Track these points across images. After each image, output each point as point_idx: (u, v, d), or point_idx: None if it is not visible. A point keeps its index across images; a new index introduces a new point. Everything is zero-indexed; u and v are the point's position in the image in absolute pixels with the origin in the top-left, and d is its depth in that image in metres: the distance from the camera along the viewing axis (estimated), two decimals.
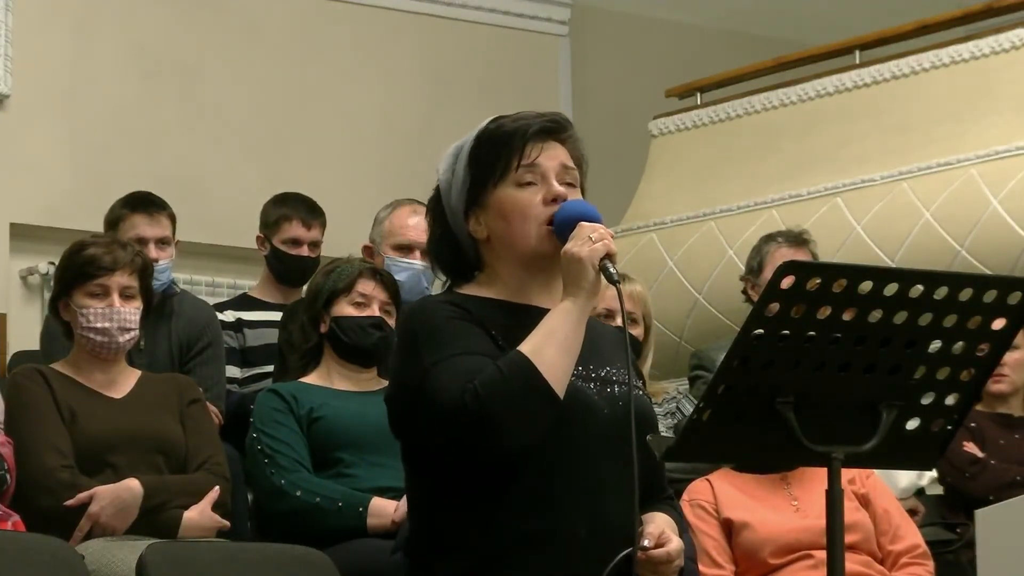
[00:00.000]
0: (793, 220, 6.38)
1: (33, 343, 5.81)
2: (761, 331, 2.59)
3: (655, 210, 7.27)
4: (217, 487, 4.47)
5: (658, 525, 2.93)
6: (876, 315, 2.62)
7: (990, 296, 2.66)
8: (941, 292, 2.64)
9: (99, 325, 4.48)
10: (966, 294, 2.66)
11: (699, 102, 7.47)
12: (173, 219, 5.54)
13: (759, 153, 7.09)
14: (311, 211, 5.92)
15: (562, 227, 2.91)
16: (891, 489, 4.83)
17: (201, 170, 7.29)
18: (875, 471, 4.59)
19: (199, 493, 4.44)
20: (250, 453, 4.64)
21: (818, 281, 2.58)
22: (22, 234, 6.99)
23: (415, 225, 5.41)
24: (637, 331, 5.04)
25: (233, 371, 5.62)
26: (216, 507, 4.45)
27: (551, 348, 2.82)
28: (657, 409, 4.95)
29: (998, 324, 2.70)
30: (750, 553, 4.47)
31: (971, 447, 5.36)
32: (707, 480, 4.59)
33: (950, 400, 2.75)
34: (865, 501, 4.58)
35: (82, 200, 6.77)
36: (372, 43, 7.86)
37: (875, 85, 6.85)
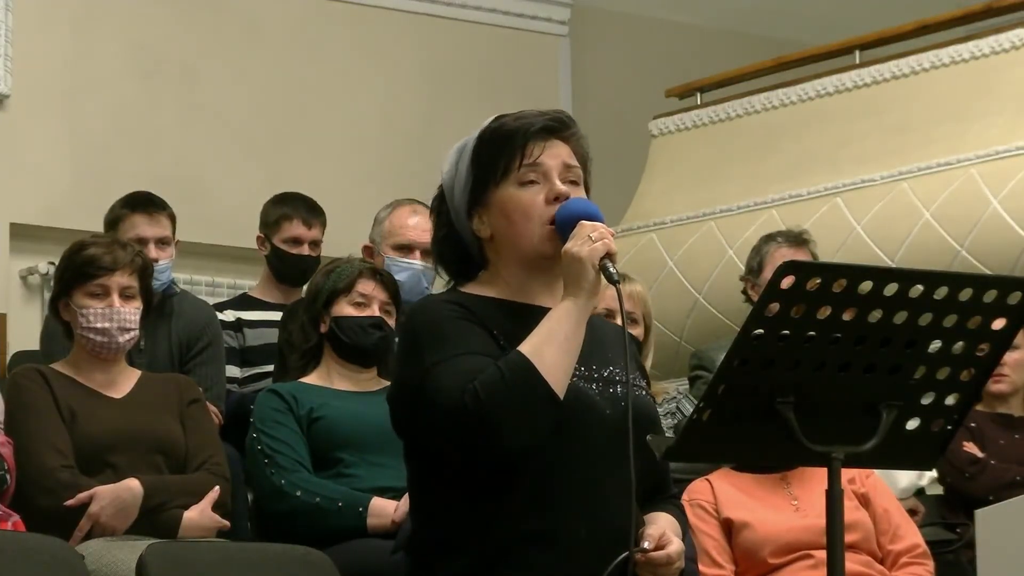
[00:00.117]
0: (793, 220, 6.38)
1: (33, 343, 5.81)
2: (761, 331, 2.59)
3: (655, 210, 7.27)
4: (217, 487, 4.47)
5: (659, 527, 2.92)
6: (876, 315, 2.62)
7: (990, 296, 2.66)
8: (941, 292, 2.64)
9: (99, 325, 4.48)
10: (966, 294, 2.66)
11: (699, 102, 7.47)
12: (173, 219, 5.55)
13: (759, 153, 7.09)
14: (311, 210, 5.92)
15: (563, 226, 2.90)
16: (891, 489, 4.83)
17: (201, 170, 7.29)
18: (875, 471, 4.59)
19: (199, 493, 4.44)
20: (250, 453, 4.64)
21: (818, 281, 2.58)
22: (22, 234, 6.99)
23: (415, 225, 5.42)
24: (637, 331, 5.04)
25: (233, 371, 5.62)
26: (216, 507, 4.45)
27: (551, 348, 2.81)
28: (657, 409, 4.95)
29: (998, 324, 2.70)
30: (750, 553, 4.47)
31: (971, 447, 5.36)
32: (707, 480, 4.59)
33: (950, 400, 2.75)
34: (865, 501, 4.58)
35: (82, 200, 6.77)
36: (372, 43, 7.86)
37: (875, 85, 6.85)
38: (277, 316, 5.43)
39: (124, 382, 4.57)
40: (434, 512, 2.92)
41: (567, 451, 2.85)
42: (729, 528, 4.51)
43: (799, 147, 6.97)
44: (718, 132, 7.31)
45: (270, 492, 4.55)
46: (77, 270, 4.52)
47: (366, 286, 4.77)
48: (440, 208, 3.04)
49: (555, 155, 2.97)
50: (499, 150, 2.97)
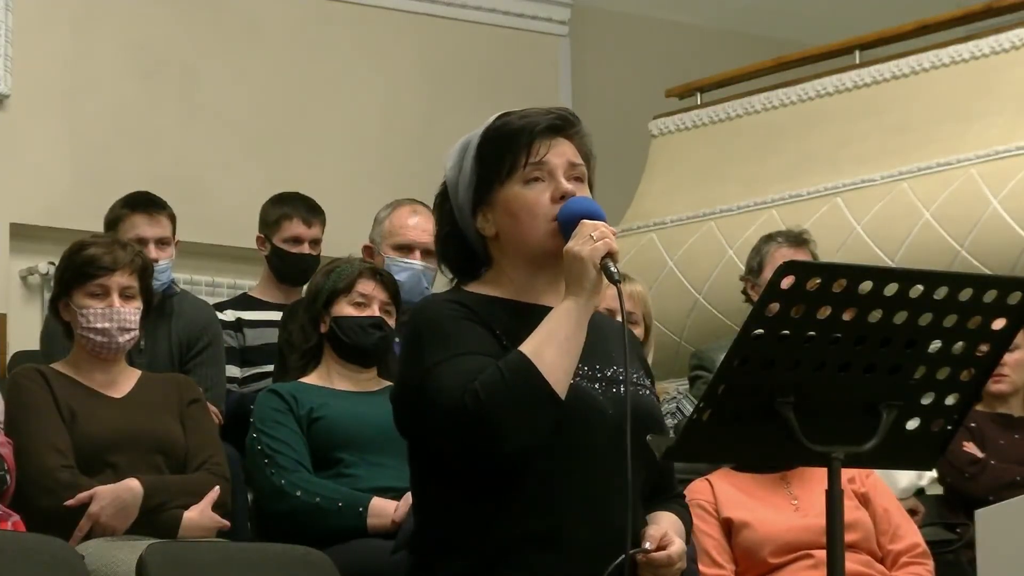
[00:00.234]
0: (793, 220, 6.38)
1: (33, 343, 5.82)
2: (761, 331, 2.59)
3: (655, 210, 7.27)
4: (217, 487, 4.47)
5: (661, 527, 2.92)
6: (876, 315, 2.62)
7: (990, 296, 2.66)
8: (941, 292, 2.64)
9: (99, 325, 4.48)
10: (966, 294, 2.65)
11: (699, 102, 7.47)
12: (173, 219, 5.55)
13: (759, 153, 7.09)
14: (311, 209, 5.93)
15: (565, 225, 2.90)
16: (891, 489, 4.83)
17: (201, 170, 7.29)
18: (875, 470, 4.59)
19: (199, 493, 4.44)
20: (250, 453, 4.64)
21: (818, 281, 2.57)
22: (22, 234, 6.99)
23: (415, 225, 5.42)
24: (638, 331, 5.04)
25: (233, 371, 5.63)
26: (216, 507, 4.45)
27: (552, 349, 2.81)
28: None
29: (998, 324, 2.70)
30: (750, 552, 4.47)
31: (971, 447, 5.36)
32: (707, 480, 4.59)
33: (950, 400, 2.75)
34: (865, 500, 4.58)
35: (82, 200, 6.77)
36: (372, 43, 7.86)
37: (875, 85, 6.85)
38: (277, 316, 5.43)
39: (124, 382, 4.57)
40: (436, 512, 2.92)
41: (569, 451, 2.84)
42: (729, 528, 4.51)
43: (799, 147, 6.97)
44: (718, 132, 7.31)
45: (270, 492, 4.55)
46: (77, 270, 4.52)
47: (366, 286, 4.77)
48: (443, 205, 3.04)
49: (560, 153, 2.97)
50: (504, 148, 2.96)
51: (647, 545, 2.86)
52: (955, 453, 5.29)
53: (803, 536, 4.43)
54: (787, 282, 2.56)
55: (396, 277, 5.01)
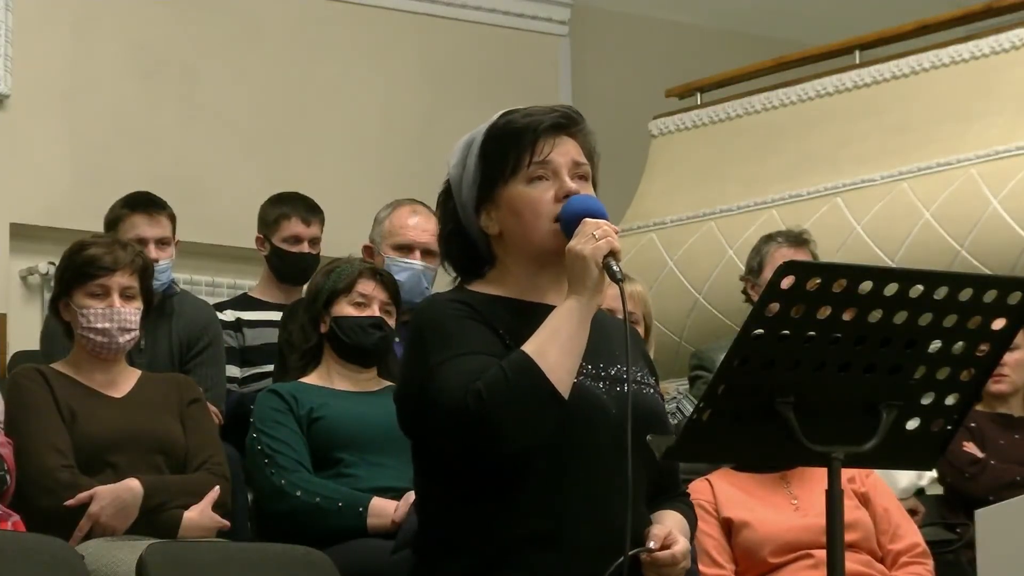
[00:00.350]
0: (793, 220, 6.38)
1: (33, 343, 5.82)
2: (761, 331, 2.59)
3: (655, 210, 7.27)
4: (217, 487, 4.47)
5: (665, 526, 2.92)
6: (876, 315, 2.62)
7: (990, 296, 2.66)
8: (941, 292, 2.64)
9: (99, 325, 4.48)
10: (966, 294, 2.65)
11: (699, 102, 7.47)
12: (173, 219, 5.55)
13: (759, 153, 7.09)
14: (309, 208, 5.93)
15: (568, 223, 2.89)
16: (891, 489, 4.83)
17: (201, 170, 7.29)
18: (875, 470, 4.59)
19: (199, 493, 4.44)
20: (250, 453, 4.64)
21: (818, 281, 2.57)
22: (22, 234, 6.99)
23: (415, 225, 5.42)
24: (639, 331, 5.04)
25: (233, 371, 5.63)
26: (216, 507, 4.45)
27: (554, 348, 2.80)
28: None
29: (998, 324, 2.70)
30: (750, 552, 4.47)
31: (971, 447, 5.36)
32: (707, 480, 4.59)
33: (950, 400, 2.75)
34: (865, 500, 4.58)
35: (82, 200, 6.77)
36: (372, 43, 7.86)
37: (875, 85, 6.85)
38: (277, 316, 5.43)
39: (124, 382, 4.57)
40: (438, 511, 2.92)
41: (572, 451, 2.84)
42: (729, 528, 4.51)
43: (799, 147, 6.97)
44: (718, 132, 7.31)
45: (270, 492, 4.55)
46: (78, 270, 4.52)
47: (366, 286, 4.77)
48: (447, 203, 3.03)
49: (564, 152, 2.96)
50: (508, 147, 2.96)
51: (651, 544, 2.86)
52: (955, 453, 5.29)
53: (803, 536, 4.43)
54: (787, 282, 2.56)
55: (396, 277, 5.00)
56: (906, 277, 2.63)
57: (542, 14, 8.33)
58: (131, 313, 4.50)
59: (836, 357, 2.64)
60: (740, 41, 8.47)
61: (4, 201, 6.92)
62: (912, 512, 5.11)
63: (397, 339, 4.85)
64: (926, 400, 2.73)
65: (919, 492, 5.53)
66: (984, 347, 2.72)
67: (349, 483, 4.53)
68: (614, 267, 2.84)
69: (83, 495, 4.31)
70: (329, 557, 4.24)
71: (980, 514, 3.67)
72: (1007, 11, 6.70)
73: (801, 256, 5.61)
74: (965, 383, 2.75)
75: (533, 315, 2.88)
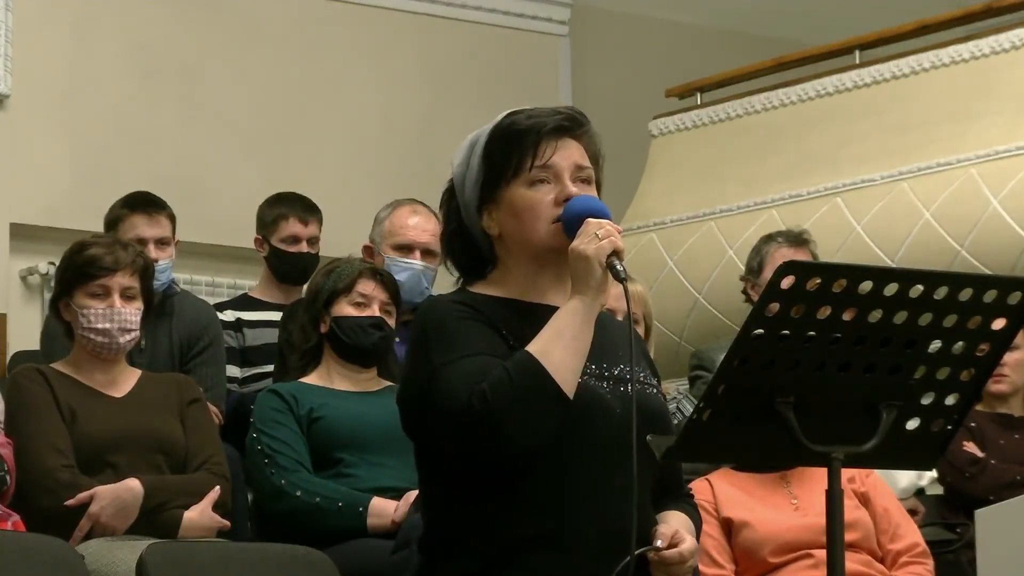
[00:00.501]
0: (793, 220, 6.38)
1: (33, 343, 5.82)
2: (761, 331, 2.59)
3: (655, 210, 7.27)
4: (217, 487, 4.47)
5: (671, 525, 2.91)
6: (876, 315, 2.62)
7: (990, 296, 2.66)
8: (941, 292, 2.64)
9: (100, 326, 4.48)
10: (966, 294, 2.65)
11: (699, 102, 7.47)
12: (173, 219, 5.55)
13: (759, 153, 7.09)
14: (307, 208, 5.93)
15: (570, 224, 2.89)
16: (891, 489, 4.83)
17: (201, 170, 7.29)
18: (875, 470, 4.59)
19: (199, 493, 4.44)
20: (250, 453, 4.64)
21: (818, 281, 2.57)
22: (22, 234, 6.99)
23: (415, 225, 5.42)
24: (638, 331, 5.04)
25: (233, 371, 5.63)
26: (216, 507, 4.45)
27: (559, 348, 2.80)
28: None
29: (998, 324, 2.70)
30: (750, 552, 4.47)
31: (971, 447, 5.36)
32: (707, 480, 4.59)
33: (950, 400, 2.75)
34: (865, 500, 4.58)
35: (82, 200, 6.77)
36: (372, 43, 7.86)
37: (875, 85, 6.85)
38: (277, 316, 5.44)
39: (124, 382, 4.58)
40: (442, 512, 2.91)
41: (576, 451, 2.83)
42: (729, 528, 4.51)
43: (799, 147, 6.97)
44: (718, 132, 7.31)
45: (270, 492, 4.55)
46: (78, 270, 4.52)
47: (366, 286, 4.77)
48: (450, 202, 3.03)
49: (567, 155, 2.95)
50: (511, 148, 2.95)
51: (659, 543, 2.85)
52: (955, 453, 5.29)
53: (803, 536, 4.43)
54: (787, 282, 2.56)
55: (396, 277, 5.00)
56: (906, 277, 2.63)
57: (542, 14, 8.33)
58: (131, 313, 4.50)
59: (836, 357, 2.64)
60: (740, 41, 8.46)
61: (4, 201, 6.92)
62: (912, 512, 5.11)
63: (397, 339, 4.85)
64: (926, 400, 2.73)
65: (919, 492, 5.53)
66: (984, 347, 2.72)
67: (349, 483, 4.53)
68: (618, 267, 2.83)
69: (83, 495, 4.31)
70: (329, 557, 4.24)
71: (980, 514, 3.67)
72: (1007, 11, 6.70)
73: (801, 256, 5.61)
74: (965, 383, 2.75)
75: (535, 316, 2.88)
